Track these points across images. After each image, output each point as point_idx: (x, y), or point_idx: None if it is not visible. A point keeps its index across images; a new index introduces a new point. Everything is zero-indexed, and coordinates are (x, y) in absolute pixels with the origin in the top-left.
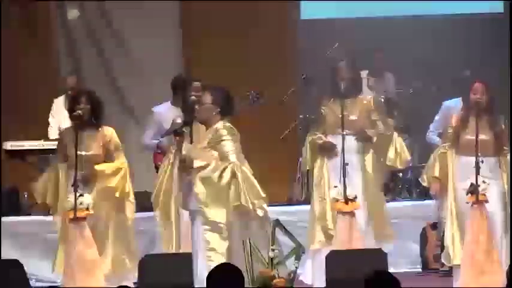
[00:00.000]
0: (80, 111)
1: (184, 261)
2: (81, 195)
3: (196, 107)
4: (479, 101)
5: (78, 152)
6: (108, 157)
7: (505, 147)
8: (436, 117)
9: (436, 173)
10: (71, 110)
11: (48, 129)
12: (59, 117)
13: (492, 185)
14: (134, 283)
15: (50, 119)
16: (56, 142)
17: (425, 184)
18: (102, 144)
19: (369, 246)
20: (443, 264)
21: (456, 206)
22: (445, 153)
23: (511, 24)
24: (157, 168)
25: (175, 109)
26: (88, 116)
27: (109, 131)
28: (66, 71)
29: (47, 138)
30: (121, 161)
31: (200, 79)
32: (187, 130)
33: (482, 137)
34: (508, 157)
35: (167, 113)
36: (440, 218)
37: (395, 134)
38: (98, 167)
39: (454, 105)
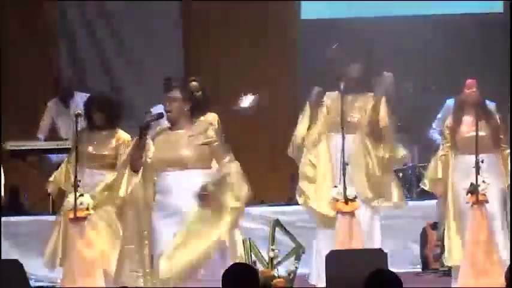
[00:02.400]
0: (79, 111)
1: None
2: (81, 195)
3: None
4: (474, 94)
5: (90, 151)
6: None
7: (502, 145)
8: (439, 115)
9: (439, 175)
10: (88, 111)
11: (38, 132)
12: (49, 120)
13: (491, 183)
14: None
15: (41, 122)
16: (55, 142)
17: (427, 188)
18: (114, 146)
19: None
20: (443, 264)
21: (456, 206)
22: (445, 155)
23: (511, 24)
24: None
25: None
26: (102, 119)
27: (124, 135)
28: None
29: (46, 138)
30: None
31: (196, 78)
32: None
33: (480, 133)
34: (507, 152)
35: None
36: (441, 218)
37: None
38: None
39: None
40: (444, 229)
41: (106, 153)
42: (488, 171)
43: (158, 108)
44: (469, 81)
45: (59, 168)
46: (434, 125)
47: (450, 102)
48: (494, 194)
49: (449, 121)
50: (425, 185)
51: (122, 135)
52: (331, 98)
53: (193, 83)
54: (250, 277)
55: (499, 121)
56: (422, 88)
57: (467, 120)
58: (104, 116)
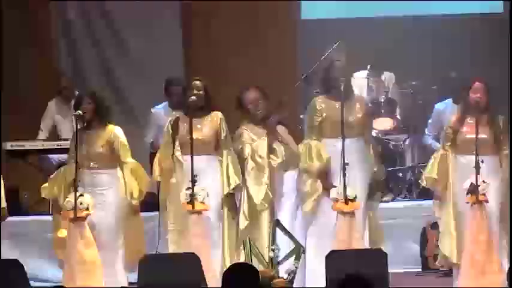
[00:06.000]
0: (79, 111)
1: (187, 261)
2: (81, 195)
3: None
4: (480, 100)
5: (81, 152)
6: (114, 156)
7: (504, 147)
8: (430, 121)
9: (434, 175)
10: (75, 110)
11: (39, 131)
12: (50, 120)
13: (491, 185)
14: (130, 283)
15: (42, 122)
16: (55, 142)
17: (424, 184)
18: (105, 143)
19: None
20: (443, 264)
21: (455, 206)
22: (444, 154)
23: (511, 24)
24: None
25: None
26: (91, 115)
27: (114, 129)
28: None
29: (47, 138)
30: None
31: (200, 78)
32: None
33: (482, 135)
34: (505, 153)
35: (165, 113)
36: (437, 218)
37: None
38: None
39: (444, 107)
40: (439, 227)
41: (100, 151)
42: (488, 171)
43: (158, 108)
44: (476, 84)
45: (56, 173)
46: (427, 131)
47: (439, 106)
48: (492, 195)
49: (452, 121)
50: (423, 181)
51: (112, 129)
52: (323, 108)
53: (197, 82)
54: (251, 277)
55: (502, 125)
56: (422, 88)
57: (470, 122)
58: (93, 109)
